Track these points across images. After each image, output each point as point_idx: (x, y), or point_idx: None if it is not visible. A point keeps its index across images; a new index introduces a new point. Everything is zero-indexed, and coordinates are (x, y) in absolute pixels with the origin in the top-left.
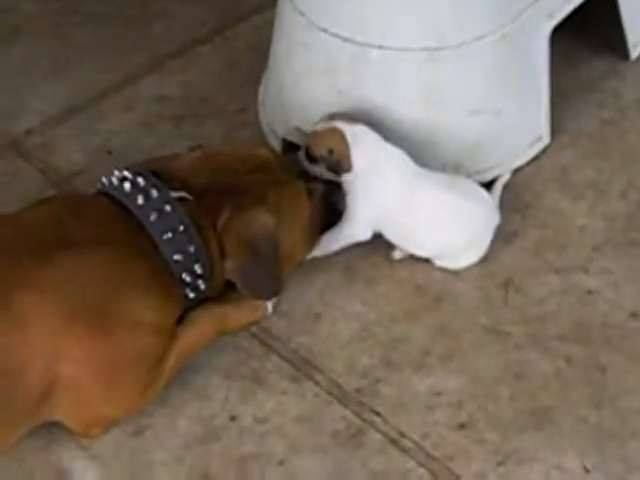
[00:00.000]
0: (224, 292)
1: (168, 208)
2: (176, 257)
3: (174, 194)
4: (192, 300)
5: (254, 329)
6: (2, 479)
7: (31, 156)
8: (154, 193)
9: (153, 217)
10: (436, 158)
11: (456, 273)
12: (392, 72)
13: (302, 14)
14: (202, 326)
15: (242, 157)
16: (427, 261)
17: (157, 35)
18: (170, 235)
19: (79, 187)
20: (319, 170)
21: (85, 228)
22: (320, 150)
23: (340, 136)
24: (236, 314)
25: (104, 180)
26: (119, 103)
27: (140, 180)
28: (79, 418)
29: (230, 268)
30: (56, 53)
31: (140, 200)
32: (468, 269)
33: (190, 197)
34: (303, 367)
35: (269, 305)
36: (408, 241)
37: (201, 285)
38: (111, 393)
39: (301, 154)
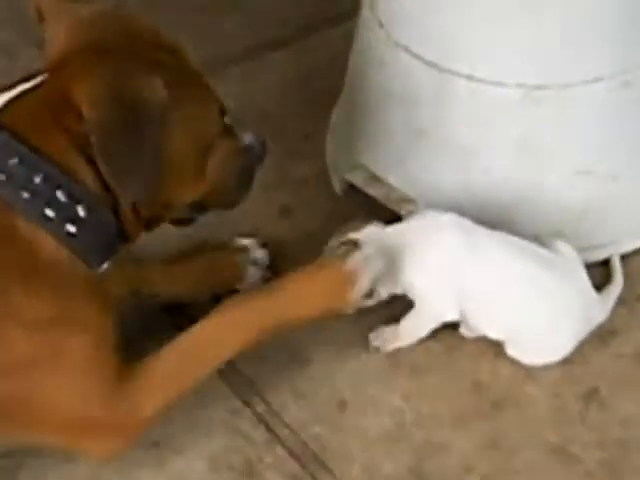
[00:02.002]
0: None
1: None
2: (23, 195)
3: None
4: (87, 237)
5: (261, 409)
6: None
7: None
8: None
9: None
10: (527, 224)
11: (529, 373)
12: (481, 110)
13: (382, 25)
14: (237, 311)
15: (147, 31)
16: (496, 356)
17: (224, 31)
18: (2, 176)
19: None
20: None
21: None
22: None
23: (353, 245)
24: (301, 296)
25: None
26: None
27: None
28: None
29: (89, 116)
30: None
31: None
32: (545, 369)
33: (32, 83)
34: (310, 465)
35: (360, 286)
36: (477, 314)
37: (80, 212)
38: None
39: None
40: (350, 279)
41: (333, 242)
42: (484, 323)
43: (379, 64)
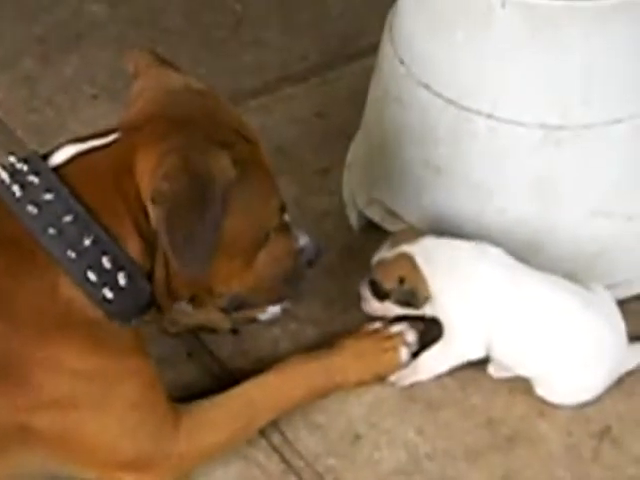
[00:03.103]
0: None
1: (48, 196)
2: (70, 254)
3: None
4: (120, 304)
5: (277, 440)
6: None
7: None
8: (34, 180)
9: (32, 210)
10: (545, 262)
11: (542, 411)
12: (499, 149)
13: (402, 62)
14: (296, 375)
15: (226, 112)
16: (510, 393)
17: (244, 65)
18: (53, 231)
19: None
20: (391, 308)
21: None
22: (388, 282)
23: (408, 260)
24: (351, 362)
25: None
26: None
27: (22, 166)
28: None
29: (157, 188)
30: (114, 69)
31: (17, 191)
32: (558, 407)
33: (103, 141)
34: None
35: (404, 352)
36: (508, 349)
37: (121, 280)
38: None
39: (366, 292)
40: (395, 346)
41: (385, 252)
42: (514, 359)
43: (398, 101)
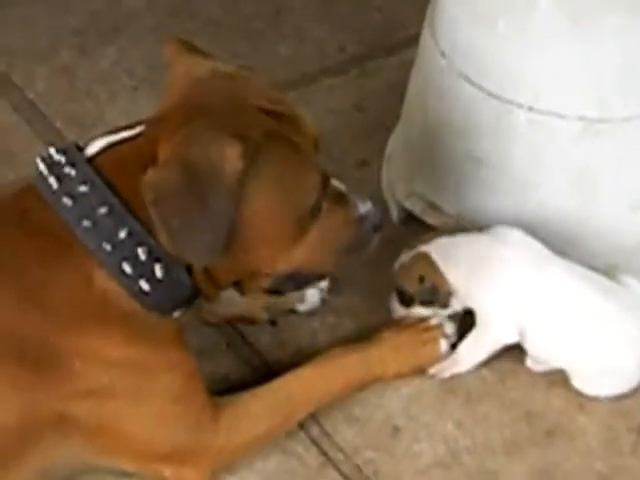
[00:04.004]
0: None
1: (84, 188)
2: (106, 247)
3: (93, 147)
4: (159, 296)
5: (315, 432)
6: None
7: None
8: (70, 172)
9: (67, 203)
10: (584, 256)
11: (581, 404)
12: (540, 141)
13: (443, 55)
14: (334, 368)
15: (269, 96)
16: (549, 386)
17: (282, 57)
18: (88, 223)
19: None
20: (419, 312)
21: None
22: (410, 285)
23: (424, 258)
24: (390, 355)
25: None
26: None
27: (60, 157)
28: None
29: (148, 178)
30: (152, 60)
31: (54, 183)
32: (597, 402)
33: (133, 132)
34: None
35: (443, 343)
36: (537, 338)
37: (158, 272)
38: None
39: (394, 302)
40: (434, 338)
41: (404, 257)
42: (545, 348)
43: (439, 93)
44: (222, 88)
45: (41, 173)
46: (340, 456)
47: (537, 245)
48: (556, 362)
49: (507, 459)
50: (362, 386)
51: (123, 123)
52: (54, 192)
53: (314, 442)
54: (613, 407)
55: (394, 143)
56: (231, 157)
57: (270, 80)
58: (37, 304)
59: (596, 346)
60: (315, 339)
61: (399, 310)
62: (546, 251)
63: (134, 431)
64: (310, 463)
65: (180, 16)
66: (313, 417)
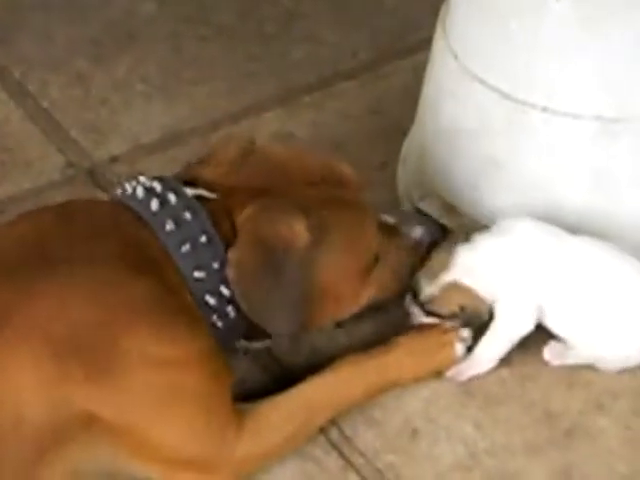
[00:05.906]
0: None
1: (188, 215)
2: (197, 274)
3: (190, 191)
4: (224, 332)
5: (335, 436)
6: None
7: (111, 189)
8: (172, 198)
9: (169, 226)
10: None
11: (601, 404)
12: (555, 142)
13: (455, 57)
14: (351, 374)
15: (307, 165)
16: (569, 387)
17: (295, 61)
18: (188, 248)
19: None
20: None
21: (77, 243)
22: (448, 312)
23: (456, 288)
24: (406, 359)
25: (118, 189)
26: None
27: (156, 185)
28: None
29: (230, 257)
30: (168, 68)
31: (154, 206)
32: (616, 402)
33: (212, 195)
34: None
35: (459, 347)
36: (559, 313)
37: (231, 313)
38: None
39: (414, 308)
40: (450, 341)
41: (433, 289)
42: (567, 324)
43: (453, 95)
44: (273, 163)
45: (135, 195)
46: (361, 460)
47: (549, 227)
48: (579, 337)
49: (527, 460)
50: (380, 391)
51: (138, 131)
52: (154, 214)
53: (334, 446)
54: (632, 407)
55: (409, 145)
56: (299, 231)
57: (284, 85)
58: (106, 302)
59: (620, 314)
60: (332, 341)
61: (420, 316)
62: (559, 229)
63: (161, 437)
64: (330, 467)
65: (194, 22)
66: (333, 421)
